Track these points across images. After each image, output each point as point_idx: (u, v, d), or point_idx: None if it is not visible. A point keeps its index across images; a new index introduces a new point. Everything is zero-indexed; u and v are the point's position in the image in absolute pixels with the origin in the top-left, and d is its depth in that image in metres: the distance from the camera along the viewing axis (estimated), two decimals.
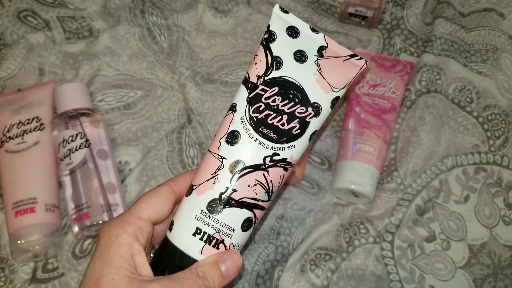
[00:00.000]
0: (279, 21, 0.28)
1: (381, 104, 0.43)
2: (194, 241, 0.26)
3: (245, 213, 0.27)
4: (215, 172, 0.27)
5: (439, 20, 0.47)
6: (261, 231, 0.41)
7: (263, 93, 0.27)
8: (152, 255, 0.30)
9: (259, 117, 0.27)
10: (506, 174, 0.42)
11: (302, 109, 0.27)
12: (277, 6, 0.28)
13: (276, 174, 0.27)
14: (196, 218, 0.26)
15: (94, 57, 0.47)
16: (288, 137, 0.27)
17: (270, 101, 0.27)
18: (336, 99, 0.28)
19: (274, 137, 0.27)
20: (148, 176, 0.43)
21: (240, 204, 0.27)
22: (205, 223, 0.26)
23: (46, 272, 0.39)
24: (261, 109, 0.27)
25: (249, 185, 0.27)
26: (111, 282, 0.23)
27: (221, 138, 0.27)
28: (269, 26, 0.28)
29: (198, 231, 0.26)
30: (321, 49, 0.27)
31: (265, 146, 0.27)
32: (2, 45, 0.47)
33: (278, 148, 0.27)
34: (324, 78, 0.28)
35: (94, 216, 0.37)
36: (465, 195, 0.41)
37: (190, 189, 0.28)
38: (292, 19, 0.28)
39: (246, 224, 0.27)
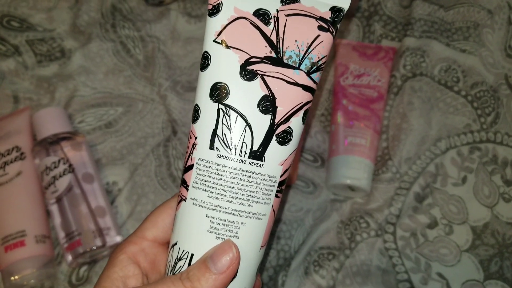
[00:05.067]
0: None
1: (367, 94, 0.43)
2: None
3: None
4: None
5: (417, 1, 0.46)
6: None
7: None
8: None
9: None
10: (501, 150, 0.42)
11: None
12: None
13: None
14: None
15: (69, 78, 0.45)
16: None
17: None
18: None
19: None
20: (138, 195, 0.41)
21: None
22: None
23: None
24: None
25: None
26: None
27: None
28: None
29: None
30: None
31: None
32: None
33: None
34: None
35: (86, 242, 0.36)
36: (462, 176, 0.41)
37: None
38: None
39: None
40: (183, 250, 0.24)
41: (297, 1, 0.24)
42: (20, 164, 0.39)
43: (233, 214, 0.23)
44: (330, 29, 0.24)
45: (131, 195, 0.41)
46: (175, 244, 0.24)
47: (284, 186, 0.25)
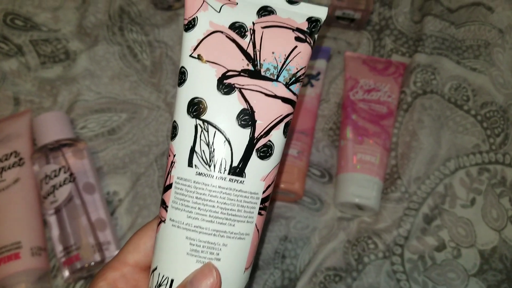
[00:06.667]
0: None
1: (377, 110, 0.42)
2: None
3: None
4: None
5: (428, 17, 0.45)
6: (265, 256, 0.39)
7: None
8: None
9: None
10: (509, 172, 0.41)
11: None
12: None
13: None
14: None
15: (72, 81, 0.44)
16: None
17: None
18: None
19: None
20: (140, 206, 0.40)
21: None
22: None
23: None
24: None
25: None
26: None
27: None
28: None
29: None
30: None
31: None
32: None
33: None
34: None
35: (85, 257, 0.34)
36: (471, 198, 0.40)
37: None
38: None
39: None
40: (163, 276, 0.23)
41: (273, 13, 0.24)
42: (18, 170, 0.38)
43: (214, 235, 0.22)
44: (308, 39, 0.24)
45: (132, 206, 0.40)
46: (155, 269, 0.23)
47: (268, 203, 0.24)
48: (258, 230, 0.24)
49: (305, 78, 0.43)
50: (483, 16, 0.45)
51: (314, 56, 0.44)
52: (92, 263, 0.34)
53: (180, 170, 0.23)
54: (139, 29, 0.46)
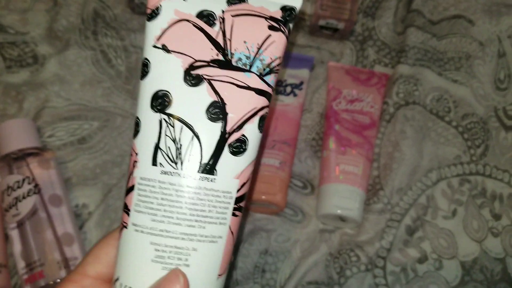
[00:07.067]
0: None
1: (360, 120, 0.41)
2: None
3: None
4: None
5: (411, 29, 0.45)
6: (244, 270, 0.37)
7: None
8: None
9: None
10: (490, 184, 0.41)
11: None
12: None
13: None
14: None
15: (40, 86, 0.41)
16: None
17: None
18: None
19: None
20: (111, 219, 0.38)
21: None
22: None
23: None
24: None
25: None
26: None
27: None
28: None
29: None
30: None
31: None
32: None
33: None
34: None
35: (50, 274, 0.32)
36: (453, 209, 0.40)
37: None
38: None
39: None
40: (126, 286, 0.21)
41: (244, 1, 0.23)
42: None
43: (182, 238, 0.20)
44: (282, 28, 0.23)
45: (102, 220, 0.38)
46: (117, 279, 0.21)
47: (244, 203, 0.22)
48: (232, 232, 0.22)
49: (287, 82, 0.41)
50: (464, 29, 0.46)
51: (297, 65, 0.43)
52: (58, 280, 0.32)
53: (143, 169, 0.21)
54: (114, 34, 0.44)
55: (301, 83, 0.42)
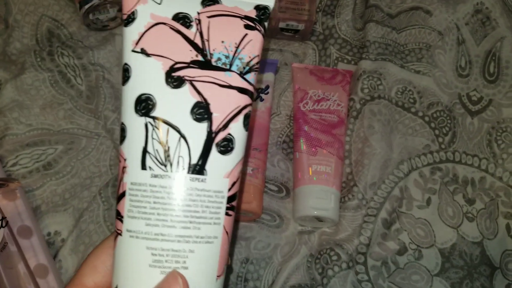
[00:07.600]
0: None
1: (328, 119, 0.41)
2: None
3: None
4: None
5: (370, 24, 0.46)
6: (226, 281, 0.37)
7: None
8: None
9: None
10: (460, 169, 0.42)
11: None
12: None
13: None
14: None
15: None
16: None
17: None
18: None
19: None
20: (86, 244, 0.37)
21: None
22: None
23: None
24: None
25: None
26: None
27: None
28: None
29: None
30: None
31: None
32: None
33: None
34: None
35: None
36: (426, 198, 0.41)
37: None
38: None
39: None
40: None
41: (218, 3, 0.23)
42: None
43: (178, 241, 0.20)
44: (258, 27, 0.23)
45: (77, 246, 0.36)
46: (116, 287, 0.21)
47: (236, 202, 0.22)
48: (227, 232, 0.22)
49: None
50: (422, 20, 0.46)
51: (261, 69, 0.43)
52: None
53: (133, 174, 0.21)
54: (71, 52, 0.43)
55: (267, 87, 0.42)
